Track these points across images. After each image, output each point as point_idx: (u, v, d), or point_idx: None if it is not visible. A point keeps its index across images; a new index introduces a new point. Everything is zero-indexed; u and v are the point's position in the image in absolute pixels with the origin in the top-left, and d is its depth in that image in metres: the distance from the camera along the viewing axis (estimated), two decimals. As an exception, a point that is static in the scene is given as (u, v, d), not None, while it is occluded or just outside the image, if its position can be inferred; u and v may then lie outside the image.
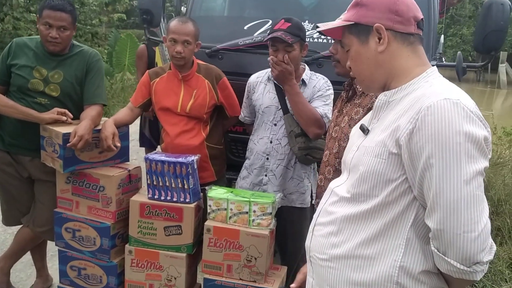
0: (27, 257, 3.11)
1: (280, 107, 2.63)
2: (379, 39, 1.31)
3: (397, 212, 1.25)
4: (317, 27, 1.60)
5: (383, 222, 1.27)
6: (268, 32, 2.62)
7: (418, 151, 1.17)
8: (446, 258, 1.16)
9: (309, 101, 2.60)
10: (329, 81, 2.66)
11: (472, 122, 1.14)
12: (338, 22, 1.41)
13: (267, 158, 2.68)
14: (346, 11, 1.40)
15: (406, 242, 1.24)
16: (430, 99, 1.17)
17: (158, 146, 4.39)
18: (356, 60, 1.39)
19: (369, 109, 1.85)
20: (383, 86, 1.36)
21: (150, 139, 4.44)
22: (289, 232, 2.71)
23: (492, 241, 1.17)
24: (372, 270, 1.28)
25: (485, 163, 1.16)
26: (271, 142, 2.66)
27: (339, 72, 2.08)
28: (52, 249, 3.22)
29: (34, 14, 9.64)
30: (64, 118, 2.54)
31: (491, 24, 2.70)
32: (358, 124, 1.45)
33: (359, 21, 1.34)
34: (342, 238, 1.35)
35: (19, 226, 2.92)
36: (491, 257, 1.15)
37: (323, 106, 2.58)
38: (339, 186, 1.43)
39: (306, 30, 3.16)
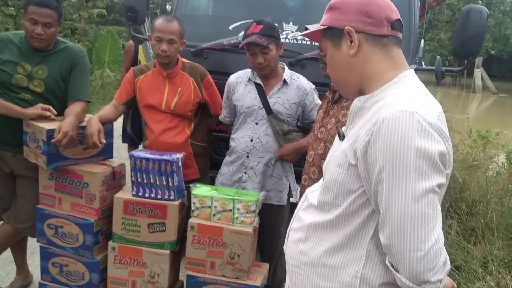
0: (6, 253, 3.07)
1: (261, 106, 2.68)
2: (351, 42, 1.27)
3: (358, 224, 1.25)
4: (306, 28, 1.64)
5: (345, 232, 1.27)
6: (242, 37, 2.66)
7: (372, 164, 1.15)
8: (397, 274, 1.15)
9: (293, 102, 2.66)
10: (310, 82, 2.73)
11: (427, 136, 1.10)
12: (314, 27, 1.39)
13: (247, 156, 2.72)
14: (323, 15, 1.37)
15: (367, 254, 1.24)
16: (387, 110, 1.14)
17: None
18: (331, 64, 1.36)
19: None
20: (358, 90, 1.33)
21: (132, 135, 4.45)
22: (266, 229, 2.74)
23: (447, 258, 1.16)
24: (336, 279, 1.29)
25: (440, 180, 1.12)
26: (251, 140, 2.70)
27: (326, 74, 2.12)
28: (31, 246, 3.19)
29: (12, 8, 9.47)
30: (48, 113, 2.52)
31: (470, 30, 2.79)
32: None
33: (332, 24, 1.31)
34: (309, 246, 1.36)
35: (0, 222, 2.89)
36: (442, 276, 1.12)
37: None
38: (314, 192, 1.44)
39: (290, 32, 3.23)
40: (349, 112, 1.36)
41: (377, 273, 1.24)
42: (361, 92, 1.32)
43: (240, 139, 2.74)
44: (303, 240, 1.38)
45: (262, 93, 2.68)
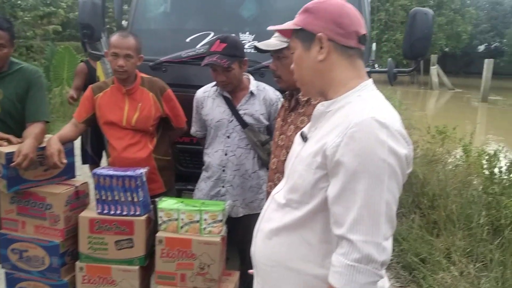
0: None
1: (231, 119, 2.70)
2: (321, 48, 1.35)
3: (327, 219, 1.31)
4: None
5: (315, 228, 1.36)
6: (206, 53, 2.66)
7: (342, 163, 1.23)
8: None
9: (261, 113, 2.70)
10: (276, 91, 2.77)
11: (396, 141, 1.22)
12: (287, 25, 1.44)
13: (223, 170, 2.74)
14: (297, 15, 1.43)
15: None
16: (358, 116, 1.24)
17: (103, 160, 4.38)
18: (298, 64, 1.43)
19: None
20: (321, 92, 1.42)
21: (92, 156, 4.45)
22: (249, 237, 2.76)
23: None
24: (310, 272, 1.37)
25: (402, 180, 1.26)
26: (226, 154, 2.72)
27: (282, 87, 2.18)
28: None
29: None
30: (5, 144, 2.47)
31: (417, 32, 2.91)
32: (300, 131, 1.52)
33: (305, 27, 1.37)
34: (281, 243, 1.43)
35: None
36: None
37: None
38: (278, 192, 1.51)
39: (247, 41, 3.28)
40: (312, 116, 1.44)
41: None
42: (323, 94, 1.42)
43: (214, 154, 2.76)
44: (276, 239, 1.44)
45: (231, 105, 2.70)
